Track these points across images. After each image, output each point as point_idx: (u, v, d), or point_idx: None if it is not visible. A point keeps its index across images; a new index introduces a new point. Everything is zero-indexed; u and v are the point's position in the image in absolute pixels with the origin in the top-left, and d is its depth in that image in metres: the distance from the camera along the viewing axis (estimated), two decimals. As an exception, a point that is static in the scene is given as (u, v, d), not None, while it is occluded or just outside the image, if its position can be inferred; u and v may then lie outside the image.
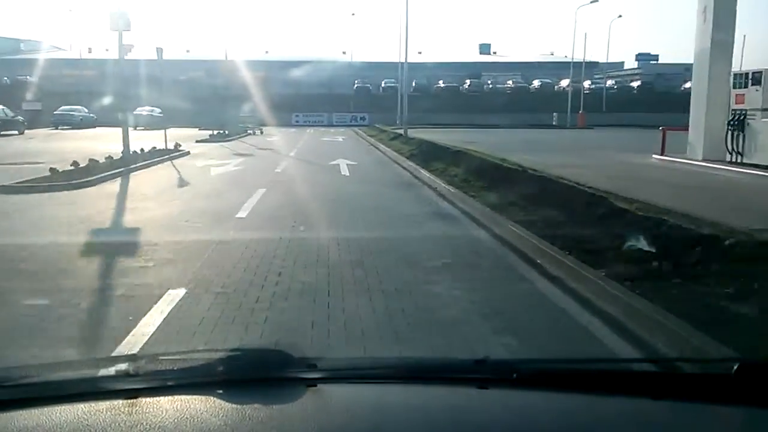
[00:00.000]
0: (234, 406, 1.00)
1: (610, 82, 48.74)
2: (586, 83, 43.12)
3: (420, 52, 61.05)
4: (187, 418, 0.97)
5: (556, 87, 45.88)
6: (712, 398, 1.06)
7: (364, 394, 1.12)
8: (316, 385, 1.08)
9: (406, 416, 1.02)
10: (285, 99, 40.41)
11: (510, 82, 48.24)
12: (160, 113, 31.48)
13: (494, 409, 1.09)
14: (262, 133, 29.08)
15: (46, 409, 0.99)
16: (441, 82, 48.42)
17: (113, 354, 2.84)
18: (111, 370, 1.18)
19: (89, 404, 1.01)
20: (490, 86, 48.78)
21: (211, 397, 1.02)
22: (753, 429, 1.05)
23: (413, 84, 41.01)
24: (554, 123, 40.20)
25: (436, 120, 36.30)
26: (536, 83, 46.91)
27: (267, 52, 60.24)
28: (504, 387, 1.14)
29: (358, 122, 43.18)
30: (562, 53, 56.92)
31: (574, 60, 42.74)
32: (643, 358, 2.52)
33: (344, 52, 57.00)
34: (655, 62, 63.73)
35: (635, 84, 49.12)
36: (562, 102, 40.13)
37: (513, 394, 1.14)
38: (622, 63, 63.13)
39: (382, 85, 48.06)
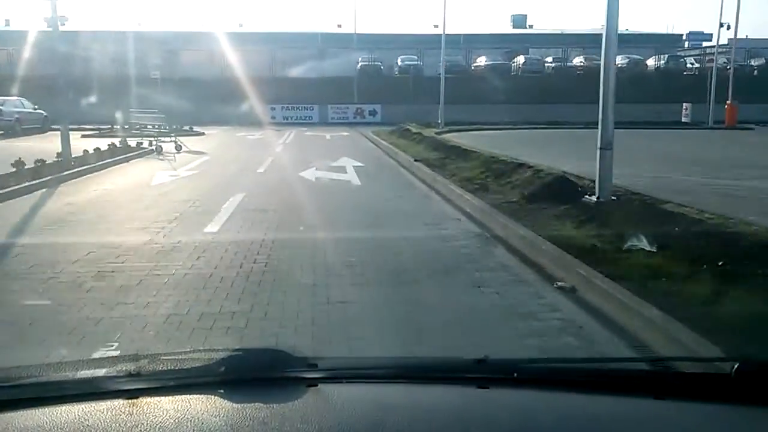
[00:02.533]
0: (235, 405, 1.07)
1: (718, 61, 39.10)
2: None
3: (436, 26, 45.84)
4: (187, 418, 1.03)
5: (657, 66, 39.49)
6: (711, 398, 1.13)
7: (365, 394, 1.18)
8: (316, 385, 1.15)
9: (406, 416, 1.06)
10: (259, 85, 31.16)
11: (580, 59, 40.28)
12: (35, 109, 24.80)
13: (495, 408, 1.14)
14: (168, 151, 17.32)
15: (46, 409, 1.05)
16: (483, 58, 40.16)
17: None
18: (111, 370, 1.26)
19: (90, 404, 1.07)
20: (553, 65, 40.89)
21: (212, 397, 1.09)
22: (753, 429, 1.10)
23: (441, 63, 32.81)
24: (685, 119, 32.01)
25: (484, 113, 30.30)
26: (621, 61, 36.85)
27: (241, 25, 54.62)
28: (504, 387, 1.21)
29: (366, 118, 34.76)
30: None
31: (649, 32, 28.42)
32: (644, 358, 2.52)
33: (339, 26, 45.96)
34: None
35: (756, 63, 40.52)
36: (654, 86, 33.98)
37: (513, 393, 1.21)
38: (709, 35, 47.68)
39: (398, 63, 40.16)
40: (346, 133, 25.89)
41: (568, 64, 40.32)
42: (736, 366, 1.13)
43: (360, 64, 37.96)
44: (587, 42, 45.54)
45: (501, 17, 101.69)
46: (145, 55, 33.65)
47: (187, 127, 24.07)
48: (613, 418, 1.10)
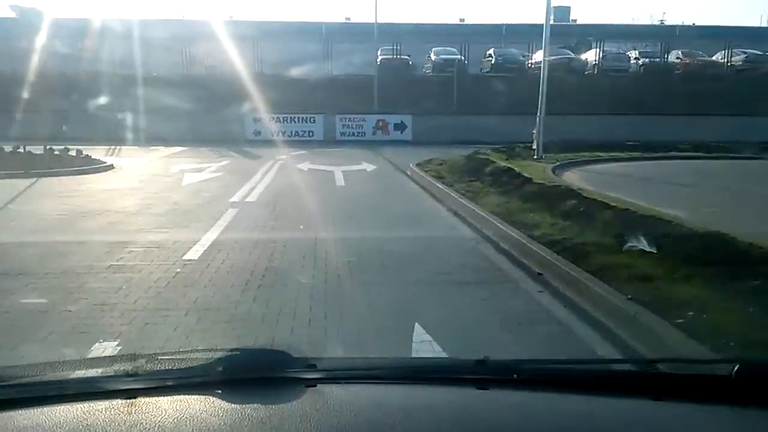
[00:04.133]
0: (233, 405, 1.08)
1: None
2: None
3: (462, 19, 37.07)
4: (186, 417, 1.04)
5: None
6: (711, 399, 1.15)
7: (364, 395, 1.20)
8: (315, 385, 1.17)
9: (405, 417, 1.07)
10: (241, 88, 22.19)
11: (676, 54, 26.14)
12: None
13: (494, 409, 1.16)
14: None
15: (45, 408, 1.07)
16: (540, 53, 25.12)
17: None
18: (110, 370, 1.28)
19: (88, 404, 1.09)
20: (641, 62, 30.60)
21: (211, 397, 1.11)
22: (753, 429, 1.12)
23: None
24: None
25: (563, 126, 19.87)
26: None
27: (231, 17, 43.66)
28: (504, 387, 1.23)
29: (391, 134, 24.22)
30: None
31: None
32: (643, 359, 2.47)
33: (348, 18, 43.85)
34: None
35: None
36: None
37: (513, 394, 1.22)
38: None
39: (431, 58, 29.96)
40: (369, 166, 15.46)
41: (663, 60, 29.66)
42: (736, 368, 1.14)
43: (380, 58, 27.77)
44: (647, 36, 36.61)
45: (536, 8, 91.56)
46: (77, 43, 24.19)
47: (86, 153, 14.58)
48: (613, 419, 1.13)
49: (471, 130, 23.23)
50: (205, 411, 1.05)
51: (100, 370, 1.27)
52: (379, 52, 28.21)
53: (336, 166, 14.87)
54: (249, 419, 1.01)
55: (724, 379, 1.14)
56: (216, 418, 1.02)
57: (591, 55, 30.59)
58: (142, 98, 22.47)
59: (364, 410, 1.08)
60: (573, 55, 29.76)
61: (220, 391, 1.10)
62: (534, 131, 15.80)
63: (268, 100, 23.46)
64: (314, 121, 23.91)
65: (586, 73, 29.01)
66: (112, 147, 18.72)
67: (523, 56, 29.36)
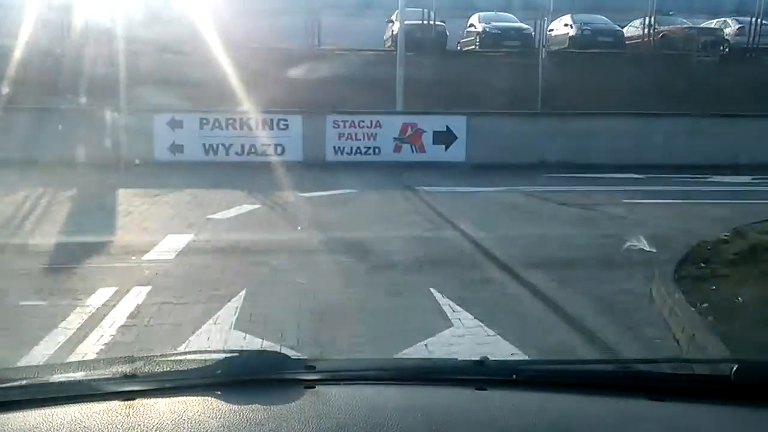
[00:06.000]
0: (232, 407, 1.08)
1: None
2: None
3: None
4: (185, 419, 1.03)
5: None
6: (710, 399, 1.16)
7: (363, 396, 1.18)
8: (314, 387, 1.16)
9: (404, 418, 1.06)
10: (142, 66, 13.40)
11: None
12: None
13: (493, 410, 1.15)
14: None
15: (42, 411, 1.06)
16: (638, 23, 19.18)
17: None
18: (108, 372, 1.26)
19: (86, 406, 1.08)
20: None
21: (209, 399, 1.10)
22: (752, 429, 1.12)
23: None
24: None
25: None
26: None
27: None
28: (503, 388, 1.22)
29: (431, 152, 13.36)
30: None
31: None
32: (643, 359, 2.43)
33: None
34: None
35: None
36: None
37: (512, 395, 1.21)
38: None
39: (475, 28, 18.74)
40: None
41: None
42: (735, 367, 1.15)
43: (393, 27, 17.36)
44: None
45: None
46: None
47: None
48: (612, 419, 1.12)
49: (571, 141, 13.10)
50: (204, 413, 1.04)
51: (97, 372, 1.25)
52: (394, 17, 17.29)
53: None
54: (247, 421, 1.01)
55: (723, 378, 1.15)
56: (214, 420, 1.02)
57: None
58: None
59: (363, 411, 1.08)
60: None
61: (218, 393, 1.10)
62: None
63: (209, 90, 13.01)
64: (286, 126, 12.77)
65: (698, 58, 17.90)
66: None
67: (619, 27, 19.13)
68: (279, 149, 12.80)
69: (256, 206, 8.31)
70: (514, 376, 1.21)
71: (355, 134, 13.17)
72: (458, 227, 7.16)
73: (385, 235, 6.78)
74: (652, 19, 18.42)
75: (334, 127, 13.12)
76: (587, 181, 11.51)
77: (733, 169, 12.61)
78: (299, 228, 7.23)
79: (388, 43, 19.00)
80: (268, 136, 12.73)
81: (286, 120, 12.88)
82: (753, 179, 12.10)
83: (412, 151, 13.25)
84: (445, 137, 13.36)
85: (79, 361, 2.36)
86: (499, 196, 9.68)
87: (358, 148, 13.16)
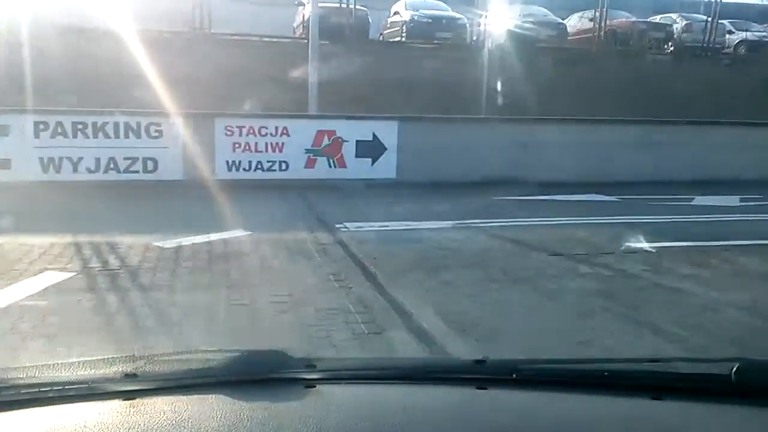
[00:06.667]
0: (233, 406, 1.06)
1: None
2: None
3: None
4: (185, 419, 1.02)
5: None
6: (711, 398, 1.14)
7: (363, 395, 1.18)
8: (315, 386, 1.15)
9: (405, 417, 1.05)
10: None
11: None
12: None
13: (494, 409, 1.14)
14: None
15: (43, 410, 1.04)
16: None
17: None
18: (109, 371, 1.22)
19: (87, 405, 1.06)
20: None
21: (210, 398, 1.09)
22: (753, 429, 1.10)
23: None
24: None
25: None
26: None
27: None
28: (503, 387, 1.21)
29: (353, 168, 10.41)
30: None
31: None
32: (643, 359, 1.96)
33: None
34: None
35: None
36: None
37: (512, 394, 1.21)
38: None
39: (401, 17, 16.19)
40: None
41: None
42: (735, 367, 1.14)
43: (317, 6, 12.55)
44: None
45: None
46: None
47: None
48: (613, 418, 1.11)
49: (521, 153, 10.72)
50: (204, 412, 1.03)
51: (98, 372, 1.21)
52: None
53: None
54: (248, 420, 1.00)
55: (723, 378, 1.14)
56: (215, 419, 1.00)
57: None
58: None
59: (364, 410, 1.08)
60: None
61: (219, 392, 1.09)
62: None
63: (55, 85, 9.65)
64: (159, 132, 9.40)
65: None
66: None
67: (561, 20, 17.18)
68: (150, 164, 9.43)
69: (67, 276, 4.86)
70: (514, 376, 1.21)
71: (256, 144, 9.96)
72: (420, 328, 3.97)
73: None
74: (604, 11, 16.67)
75: (226, 134, 9.85)
76: (552, 207, 9.07)
77: (711, 186, 10.77)
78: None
79: (299, 31, 15.93)
80: (133, 147, 9.36)
81: (159, 125, 9.42)
82: (741, 200, 10.23)
83: (330, 166, 10.23)
84: (372, 149, 10.38)
85: (79, 361, 1.73)
86: (455, 238, 6.77)
87: (260, 162, 9.97)
